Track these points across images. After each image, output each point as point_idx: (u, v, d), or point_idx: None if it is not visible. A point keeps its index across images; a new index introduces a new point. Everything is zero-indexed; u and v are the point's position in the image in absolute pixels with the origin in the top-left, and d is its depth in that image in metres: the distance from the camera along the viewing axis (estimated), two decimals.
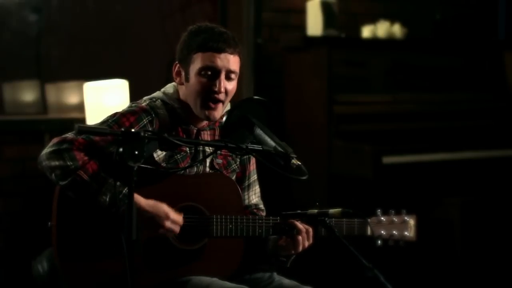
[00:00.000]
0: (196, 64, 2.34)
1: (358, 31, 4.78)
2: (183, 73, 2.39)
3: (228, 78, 2.36)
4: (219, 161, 2.47)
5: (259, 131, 2.24)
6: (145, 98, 2.45)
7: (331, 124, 4.34)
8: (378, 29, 4.72)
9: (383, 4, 5.04)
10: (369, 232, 2.46)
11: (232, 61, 2.36)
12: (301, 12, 4.63)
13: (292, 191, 4.42)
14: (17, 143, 4.08)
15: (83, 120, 3.82)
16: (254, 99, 2.33)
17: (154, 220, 2.24)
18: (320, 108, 4.39)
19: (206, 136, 2.45)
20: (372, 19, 4.80)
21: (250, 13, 4.62)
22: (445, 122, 4.60)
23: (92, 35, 4.52)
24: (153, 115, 2.36)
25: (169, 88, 2.46)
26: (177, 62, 2.41)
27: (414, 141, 4.43)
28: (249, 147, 2.20)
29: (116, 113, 2.37)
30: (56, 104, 4.41)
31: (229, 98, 2.39)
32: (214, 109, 2.35)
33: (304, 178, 2.14)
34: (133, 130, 2.21)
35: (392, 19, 4.77)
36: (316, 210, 2.31)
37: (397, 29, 4.72)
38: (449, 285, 4.39)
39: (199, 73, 2.34)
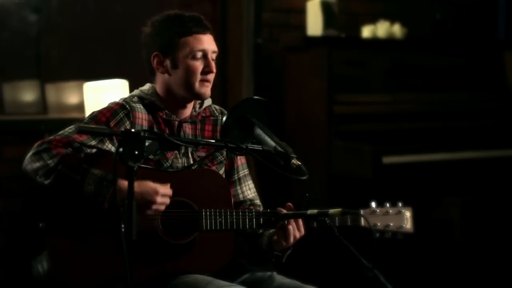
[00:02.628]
0: (185, 49, 2.42)
1: (358, 31, 4.78)
2: (167, 62, 2.45)
3: (212, 58, 2.47)
4: (202, 154, 2.50)
5: (259, 131, 2.24)
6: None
7: (331, 124, 4.34)
8: (378, 29, 4.73)
9: (383, 4, 5.04)
10: (362, 222, 2.45)
11: (213, 41, 2.49)
12: (301, 12, 4.63)
13: (292, 191, 4.42)
14: (17, 143, 4.07)
15: (83, 120, 3.82)
16: (254, 99, 2.34)
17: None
18: (320, 108, 4.39)
19: (188, 129, 2.50)
20: (372, 19, 4.80)
21: (250, 13, 4.62)
22: (445, 122, 4.60)
23: (92, 35, 4.51)
24: (129, 109, 2.42)
25: (145, 86, 2.53)
26: (156, 52, 2.46)
27: (414, 141, 4.43)
28: (249, 147, 2.21)
29: (93, 112, 2.45)
30: (56, 104, 4.40)
31: (213, 77, 2.50)
32: (207, 87, 2.46)
33: (304, 178, 2.14)
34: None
35: (392, 19, 4.77)
36: (316, 210, 2.31)
37: (397, 29, 4.72)
38: (449, 285, 4.39)
39: (191, 57, 2.42)
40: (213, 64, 2.45)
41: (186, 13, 2.47)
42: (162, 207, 2.29)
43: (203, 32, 2.44)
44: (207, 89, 2.45)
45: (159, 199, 2.27)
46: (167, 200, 2.29)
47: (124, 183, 2.14)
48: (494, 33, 5.39)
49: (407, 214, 2.49)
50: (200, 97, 2.47)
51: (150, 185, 2.27)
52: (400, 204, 2.50)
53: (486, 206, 4.46)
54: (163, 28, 2.45)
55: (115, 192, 2.16)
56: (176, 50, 2.43)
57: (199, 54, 2.42)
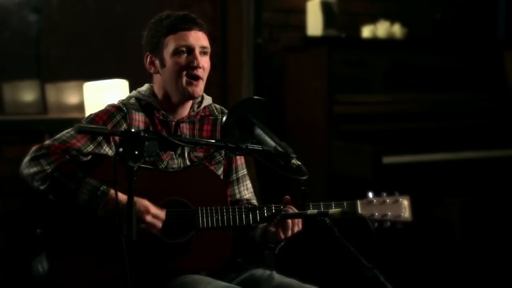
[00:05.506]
0: (170, 46, 2.42)
1: (358, 31, 4.78)
2: (157, 61, 2.46)
3: (202, 54, 2.44)
4: (199, 154, 2.49)
5: (259, 131, 2.24)
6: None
7: (331, 124, 4.34)
8: (378, 29, 4.73)
9: (383, 4, 5.04)
10: (360, 210, 2.45)
11: (202, 37, 2.45)
12: (301, 12, 4.63)
13: (292, 191, 4.41)
14: (17, 143, 4.07)
15: (82, 120, 3.81)
16: (254, 99, 2.34)
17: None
18: (320, 108, 4.39)
19: (185, 129, 2.50)
20: (372, 19, 4.80)
21: (250, 13, 4.62)
22: (445, 122, 4.60)
23: (92, 35, 4.51)
24: (126, 111, 2.42)
25: (143, 87, 2.53)
26: (148, 53, 2.48)
27: (414, 141, 4.43)
28: (249, 147, 2.21)
29: (90, 115, 2.45)
30: (56, 104, 4.40)
31: (207, 74, 2.47)
32: (196, 85, 2.43)
33: (304, 178, 2.14)
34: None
35: (392, 19, 4.77)
36: (316, 211, 2.31)
37: (397, 29, 4.72)
38: (449, 285, 4.39)
39: (175, 53, 2.42)
40: (200, 59, 2.42)
41: (176, 13, 2.47)
42: (153, 230, 2.28)
43: (189, 28, 2.42)
44: (195, 88, 2.42)
45: (148, 218, 2.27)
46: (158, 223, 2.28)
47: (119, 195, 2.13)
48: (494, 33, 5.39)
49: (405, 202, 2.49)
50: (189, 96, 2.44)
51: (144, 203, 2.27)
52: (397, 193, 2.50)
53: (486, 206, 4.46)
54: (153, 29, 2.46)
55: (116, 192, 2.15)
56: (163, 49, 2.43)
57: (184, 50, 2.41)
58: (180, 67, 2.41)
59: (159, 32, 2.44)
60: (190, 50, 2.42)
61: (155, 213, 2.28)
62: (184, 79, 2.41)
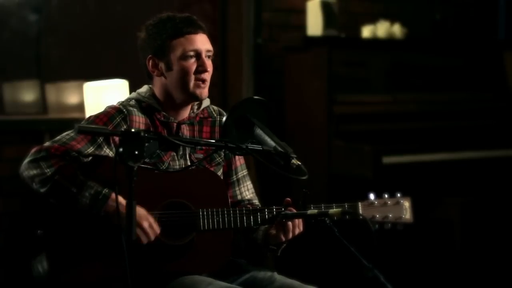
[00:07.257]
0: (177, 50, 2.42)
1: (358, 31, 4.78)
2: (161, 64, 2.45)
3: (207, 57, 2.45)
4: (199, 155, 2.49)
5: (259, 131, 2.24)
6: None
7: (331, 124, 4.34)
8: (378, 29, 4.73)
9: (383, 4, 5.04)
10: (361, 211, 2.45)
11: (207, 41, 2.46)
12: (301, 12, 4.63)
13: (291, 191, 4.41)
14: (17, 143, 4.07)
15: (83, 120, 3.81)
16: (254, 99, 2.34)
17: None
18: (320, 108, 4.39)
19: (186, 131, 2.50)
20: (372, 19, 4.81)
21: (250, 13, 4.62)
22: (445, 122, 4.60)
23: (92, 35, 4.51)
24: (126, 113, 2.41)
25: (143, 88, 2.53)
26: (150, 55, 2.46)
27: (414, 141, 4.43)
28: (249, 147, 2.21)
29: (90, 117, 2.44)
30: (56, 104, 4.40)
31: (210, 76, 2.48)
32: (204, 87, 2.45)
33: (304, 178, 2.14)
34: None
35: (392, 19, 4.77)
36: (316, 211, 2.31)
37: (397, 29, 4.73)
38: (449, 285, 4.39)
39: (183, 58, 2.42)
40: (207, 63, 2.43)
41: (178, 15, 2.47)
42: (144, 238, 2.27)
43: (195, 32, 2.43)
44: (202, 90, 2.44)
45: (145, 224, 2.26)
46: (152, 233, 2.28)
47: (119, 200, 2.14)
48: (494, 33, 5.39)
49: (406, 204, 2.50)
50: (197, 98, 2.45)
51: (143, 211, 2.27)
52: (398, 194, 2.50)
53: (486, 206, 4.46)
54: (155, 31, 2.45)
55: (116, 194, 2.14)
56: (169, 53, 2.43)
57: (192, 54, 2.42)
58: (188, 71, 2.42)
59: (163, 35, 2.43)
60: (198, 54, 2.43)
61: (152, 223, 2.28)
62: (192, 82, 2.42)
